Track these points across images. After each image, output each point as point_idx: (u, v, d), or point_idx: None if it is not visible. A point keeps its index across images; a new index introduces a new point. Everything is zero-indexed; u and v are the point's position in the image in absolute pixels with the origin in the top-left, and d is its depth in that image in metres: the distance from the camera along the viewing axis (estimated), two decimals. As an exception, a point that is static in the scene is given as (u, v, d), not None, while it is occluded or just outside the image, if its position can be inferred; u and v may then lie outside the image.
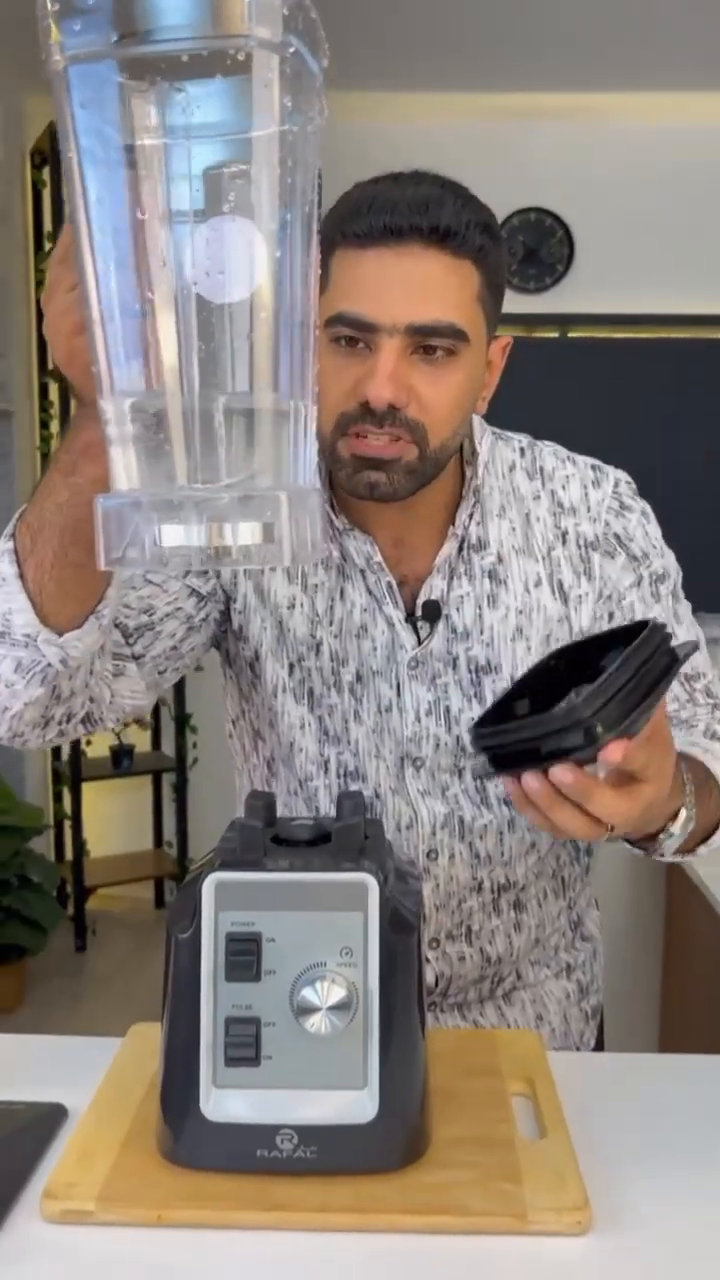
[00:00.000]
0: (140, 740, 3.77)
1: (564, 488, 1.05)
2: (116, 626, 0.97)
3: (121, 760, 3.62)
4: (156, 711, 3.80)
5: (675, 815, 0.86)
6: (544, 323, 3.54)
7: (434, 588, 1.01)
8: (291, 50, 0.52)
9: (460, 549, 1.02)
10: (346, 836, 0.75)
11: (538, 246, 3.52)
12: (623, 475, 1.07)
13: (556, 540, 1.03)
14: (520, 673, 1.01)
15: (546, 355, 3.33)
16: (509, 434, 1.08)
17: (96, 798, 3.71)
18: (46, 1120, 0.80)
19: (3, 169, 3.32)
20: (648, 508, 1.08)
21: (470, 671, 1.01)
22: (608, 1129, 0.80)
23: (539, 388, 2.84)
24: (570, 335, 3.57)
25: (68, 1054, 0.92)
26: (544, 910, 1.09)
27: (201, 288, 0.53)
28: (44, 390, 3.60)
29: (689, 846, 0.92)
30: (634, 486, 1.08)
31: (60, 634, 0.83)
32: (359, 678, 1.02)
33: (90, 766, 3.62)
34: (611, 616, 1.04)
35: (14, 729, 0.90)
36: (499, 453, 1.05)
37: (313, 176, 0.56)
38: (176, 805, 3.78)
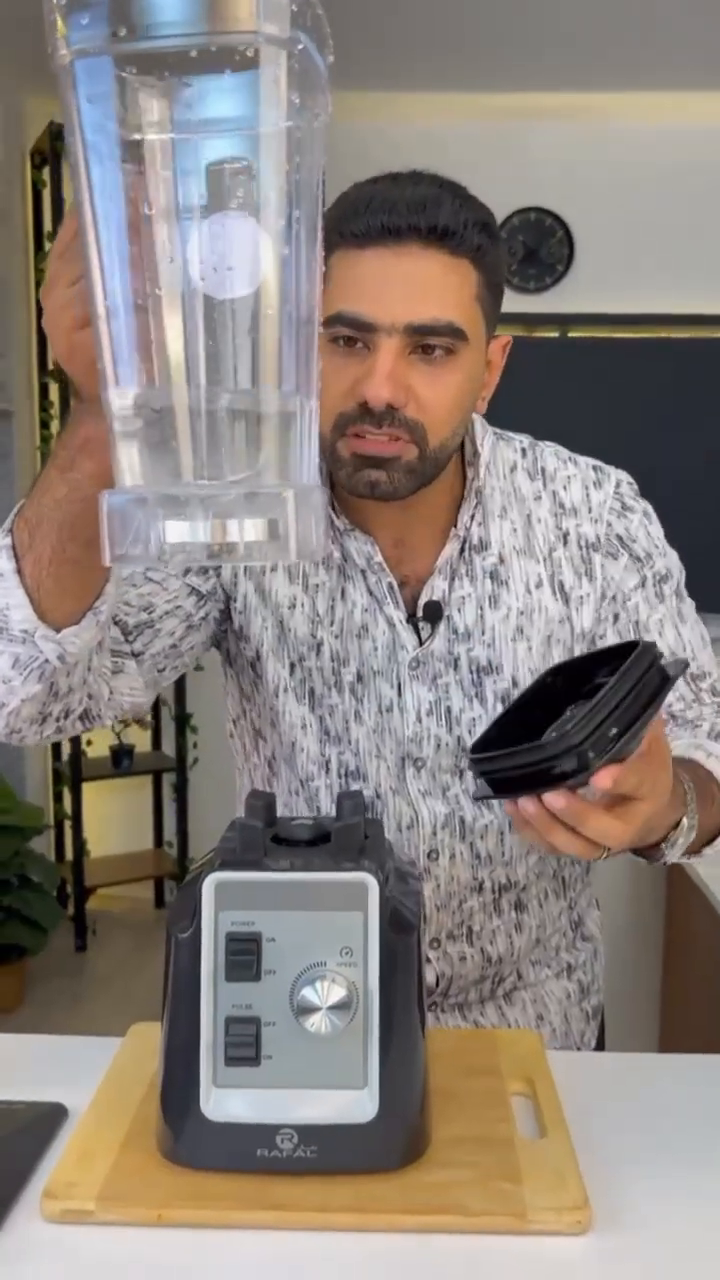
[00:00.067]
0: (140, 740, 3.77)
1: (565, 488, 1.05)
2: (116, 624, 0.97)
3: (122, 760, 3.62)
4: (157, 711, 3.80)
5: (677, 824, 0.86)
6: (544, 323, 3.54)
7: (435, 588, 1.01)
8: (300, 47, 0.52)
9: (462, 550, 1.02)
10: (346, 836, 0.75)
11: (538, 246, 3.52)
12: (624, 476, 1.07)
13: (558, 541, 1.03)
14: (521, 673, 1.01)
15: (546, 355, 3.33)
16: (510, 434, 1.08)
17: (97, 797, 3.71)
18: (46, 1120, 0.80)
19: (3, 169, 3.32)
20: (649, 508, 1.08)
21: (471, 672, 1.01)
22: (608, 1129, 0.80)
23: (539, 388, 2.84)
24: (570, 335, 3.57)
25: (68, 1054, 0.92)
26: (545, 910, 1.09)
27: (208, 283, 0.53)
28: (44, 390, 3.60)
29: (693, 849, 0.92)
30: (635, 487, 1.08)
31: (58, 630, 0.82)
32: (360, 678, 1.02)
33: (90, 766, 3.62)
34: (616, 618, 1.04)
35: (11, 725, 0.90)
36: (500, 453, 1.05)
37: (318, 173, 0.57)
38: (177, 805, 3.78)
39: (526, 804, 0.75)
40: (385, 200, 0.87)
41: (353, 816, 0.76)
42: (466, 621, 1.01)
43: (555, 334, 3.57)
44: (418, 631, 1.02)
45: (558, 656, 1.03)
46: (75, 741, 3.53)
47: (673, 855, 0.88)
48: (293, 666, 1.03)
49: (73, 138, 0.54)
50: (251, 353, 0.55)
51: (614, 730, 0.71)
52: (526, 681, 1.01)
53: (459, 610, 1.01)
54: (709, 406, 3.27)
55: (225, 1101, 0.72)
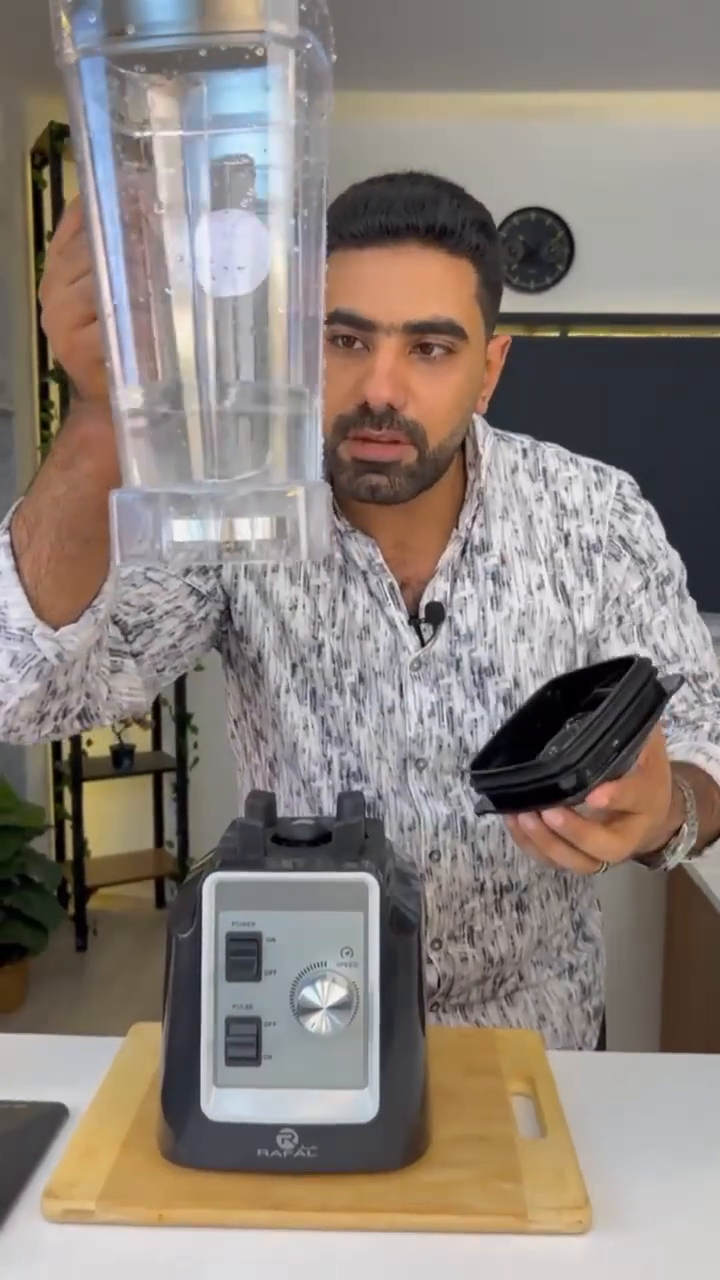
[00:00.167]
0: (141, 740, 3.77)
1: (567, 489, 1.05)
2: (115, 623, 0.97)
3: (122, 760, 3.62)
4: (157, 711, 3.80)
5: (677, 831, 0.86)
6: (544, 322, 3.55)
7: (437, 590, 1.01)
8: (308, 46, 0.52)
9: (463, 551, 1.02)
10: (347, 836, 0.75)
11: (538, 246, 3.52)
12: (625, 477, 1.07)
13: (559, 542, 1.03)
14: (523, 674, 1.01)
15: (546, 355, 3.33)
16: (511, 435, 1.08)
17: (97, 797, 3.71)
18: (47, 1120, 0.80)
19: (3, 169, 3.32)
20: (651, 509, 1.08)
21: (473, 673, 1.01)
22: (608, 1129, 0.80)
23: (539, 388, 2.84)
24: (570, 335, 3.57)
25: (69, 1054, 0.92)
26: (546, 911, 1.09)
27: (217, 281, 0.53)
28: (44, 390, 3.60)
29: (693, 852, 0.92)
30: (637, 488, 1.08)
31: (56, 628, 0.82)
32: (361, 679, 1.02)
33: (91, 766, 3.62)
34: (620, 621, 1.04)
35: (9, 724, 0.90)
36: (501, 454, 1.05)
37: (323, 171, 0.57)
38: (177, 805, 3.78)
39: (526, 820, 0.76)
40: (383, 200, 0.87)
41: (353, 816, 0.76)
42: (468, 622, 1.01)
43: (555, 334, 3.58)
44: (419, 633, 1.02)
45: (559, 657, 1.03)
46: (76, 741, 3.52)
47: (673, 862, 0.88)
48: (294, 668, 1.03)
49: (79, 136, 0.54)
50: (261, 350, 0.55)
51: (611, 748, 0.72)
52: (528, 682, 1.01)
53: (461, 611, 1.01)
54: (709, 406, 3.27)
55: (226, 1101, 0.72)
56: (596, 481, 1.05)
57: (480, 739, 1.01)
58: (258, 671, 1.05)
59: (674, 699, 1.05)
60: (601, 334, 3.48)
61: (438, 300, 0.87)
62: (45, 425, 3.61)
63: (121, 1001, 3.14)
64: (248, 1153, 0.71)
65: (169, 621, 1.00)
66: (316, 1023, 0.71)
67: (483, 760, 0.85)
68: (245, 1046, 0.72)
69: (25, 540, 0.81)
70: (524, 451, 1.06)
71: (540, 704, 0.88)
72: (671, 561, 1.07)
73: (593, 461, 1.08)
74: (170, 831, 3.86)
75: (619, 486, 1.06)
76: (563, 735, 0.83)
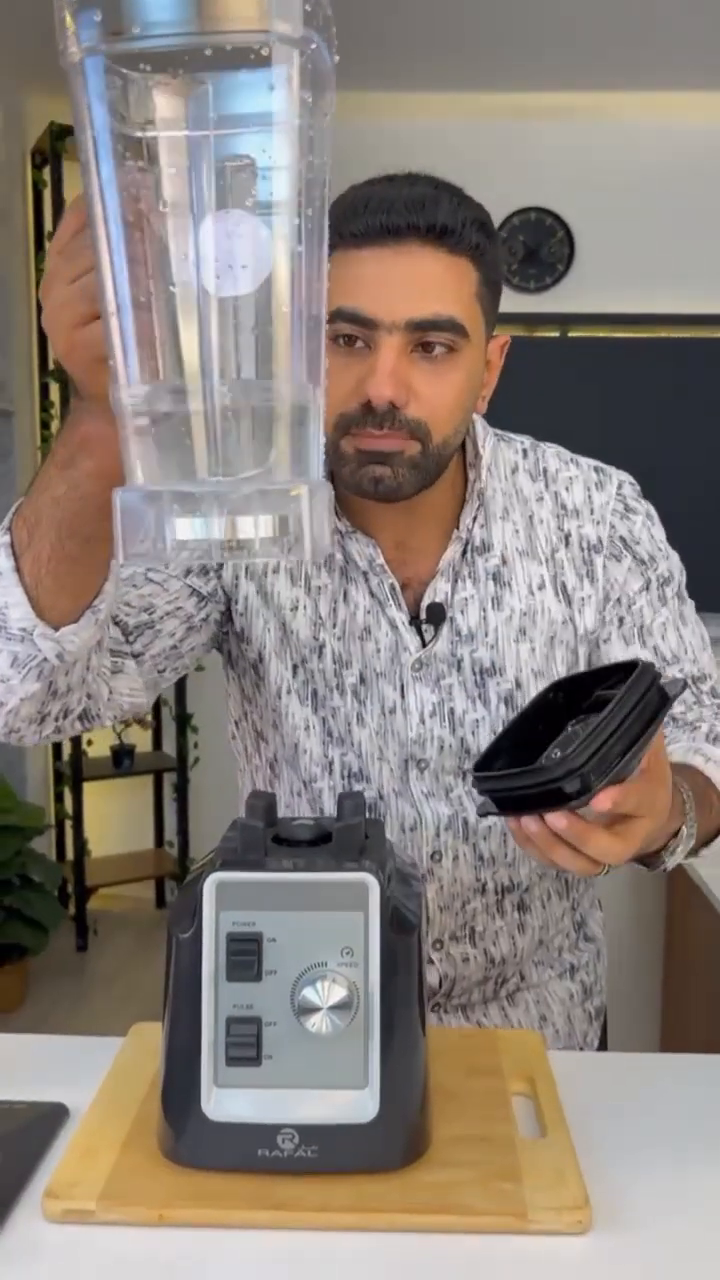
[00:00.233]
0: (141, 740, 3.77)
1: (567, 489, 1.05)
2: (116, 624, 0.97)
3: (122, 760, 3.63)
4: (158, 711, 3.80)
5: (676, 833, 0.87)
6: (544, 323, 3.55)
7: (438, 590, 1.01)
8: (313, 46, 0.52)
9: (464, 551, 1.02)
10: (347, 836, 0.75)
11: (538, 246, 3.52)
12: (626, 477, 1.08)
13: (560, 542, 1.03)
14: (524, 675, 1.01)
15: (546, 355, 3.33)
16: (511, 435, 1.08)
17: (98, 797, 3.72)
18: (48, 1120, 0.80)
19: (3, 169, 3.32)
20: (652, 510, 1.08)
21: (474, 673, 1.01)
22: (608, 1129, 0.80)
23: (539, 388, 2.84)
24: (570, 335, 3.57)
25: (69, 1054, 0.92)
26: (548, 911, 1.09)
27: (221, 280, 0.54)
28: (44, 390, 3.60)
29: (692, 849, 0.92)
30: (638, 488, 1.08)
31: (56, 628, 0.82)
32: (362, 680, 1.02)
33: (91, 766, 3.62)
34: (621, 622, 1.04)
35: (10, 725, 0.90)
36: (501, 454, 1.05)
37: (326, 172, 0.57)
38: (178, 805, 3.78)
39: (529, 823, 0.76)
40: (383, 200, 0.87)
41: (353, 817, 0.76)
42: (469, 623, 1.01)
43: (555, 334, 3.58)
44: (420, 633, 1.02)
45: (561, 657, 1.03)
46: (76, 741, 3.53)
47: (671, 863, 0.88)
48: (295, 668, 1.03)
49: (83, 135, 0.54)
50: (264, 349, 0.55)
51: (615, 752, 0.73)
52: (530, 683, 1.01)
53: (462, 612, 1.01)
54: (709, 406, 3.27)
55: (226, 1101, 0.72)
56: (597, 482, 1.05)
57: (482, 739, 1.01)
58: (259, 672, 1.05)
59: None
60: (601, 334, 3.48)
61: (439, 298, 0.87)
62: (45, 425, 3.61)
63: (122, 1001, 3.14)
64: (248, 1153, 0.71)
65: (170, 622, 1.00)
66: (317, 1023, 0.71)
67: (485, 762, 0.85)
68: (246, 1046, 0.72)
69: (26, 540, 0.81)
70: (524, 452, 1.06)
71: (542, 706, 0.89)
72: (672, 563, 1.07)
73: (593, 462, 1.08)
74: (170, 831, 3.86)
75: (619, 487, 1.06)
76: (565, 738, 0.84)
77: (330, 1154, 0.71)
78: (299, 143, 0.53)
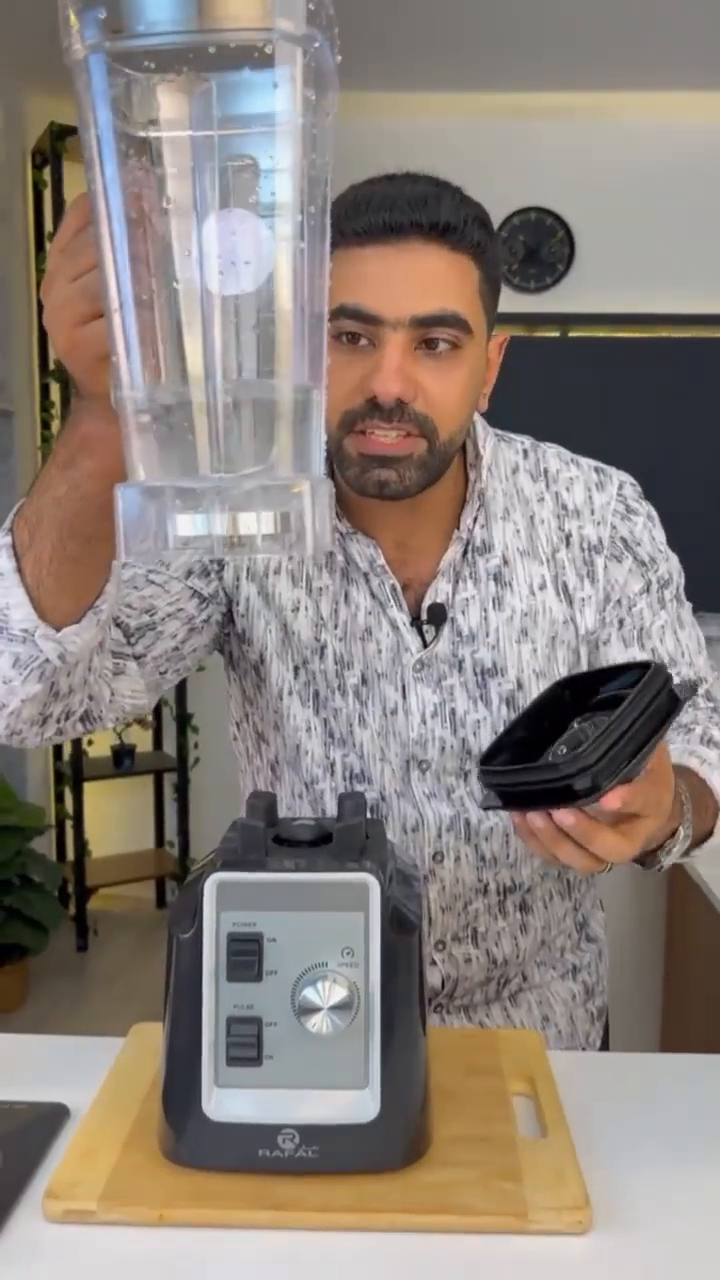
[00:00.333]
0: (142, 740, 3.77)
1: (568, 490, 1.05)
2: (118, 625, 0.97)
3: (123, 760, 3.63)
4: (158, 711, 3.80)
5: (673, 833, 0.87)
6: (544, 322, 3.55)
7: (439, 591, 1.01)
8: (316, 45, 0.52)
9: (465, 552, 1.02)
10: (348, 837, 0.75)
11: (538, 246, 3.52)
12: (627, 478, 1.08)
13: (560, 543, 1.03)
14: (526, 675, 1.01)
15: (546, 355, 3.33)
16: (511, 436, 1.08)
17: (98, 797, 3.72)
18: (48, 1120, 0.80)
19: (3, 169, 3.32)
20: (652, 511, 1.08)
21: (476, 674, 1.01)
22: (608, 1129, 0.80)
23: (539, 388, 2.84)
24: (570, 335, 3.57)
25: (69, 1054, 0.92)
26: (550, 912, 1.09)
27: (224, 278, 0.54)
28: (44, 390, 3.60)
29: (686, 849, 0.92)
30: (639, 489, 1.08)
31: (58, 629, 0.82)
32: (364, 680, 1.02)
33: (92, 766, 3.62)
34: (621, 623, 1.04)
35: (12, 726, 0.90)
36: (502, 455, 1.05)
37: (329, 170, 0.57)
38: (178, 805, 3.78)
39: (535, 818, 0.77)
40: (385, 198, 0.87)
41: (354, 817, 0.76)
42: (470, 623, 1.01)
43: (555, 334, 3.58)
44: (421, 634, 1.02)
45: (562, 658, 1.03)
46: (76, 741, 3.53)
47: (668, 862, 0.89)
48: (297, 670, 1.03)
49: (87, 134, 0.54)
50: (267, 346, 0.55)
51: (625, 753, 0.74)
52: (531, 683, 1.01)
53: (463, 612, 1.01)
54: (709, 406, 3.27)
55: (227, 1101, 0.72)
56: (598, 482, 1.05)
57: (483, 740, 1.01)
58: (260, 674, 1.05)
59: None
60: (601, 334, 3.48)
61: (442, 295, 0.88)
62: (45, 425, 3.61)
63: (122, 1002, 3.14)
64: (248, 1153, 0.71)
65: (171, 624, 1.00)
66: (317, 1023, 0.71)
67: (489, 757, 0.85)
68: (246, 1047, 0.72)
69: (27, 541, 0.81)
70: (525, 452, 1.06)
71: (548, 703, 0.89)
72: (671, 565, 1.07)
73: (593, 462, 1.08)
74: (171, 832, 3.86)
75: (620, 487, 1.06)
76: (572, 736, 0.84)
77: (331, 1154, 0.71)
78: (302, 141, 0.54)
